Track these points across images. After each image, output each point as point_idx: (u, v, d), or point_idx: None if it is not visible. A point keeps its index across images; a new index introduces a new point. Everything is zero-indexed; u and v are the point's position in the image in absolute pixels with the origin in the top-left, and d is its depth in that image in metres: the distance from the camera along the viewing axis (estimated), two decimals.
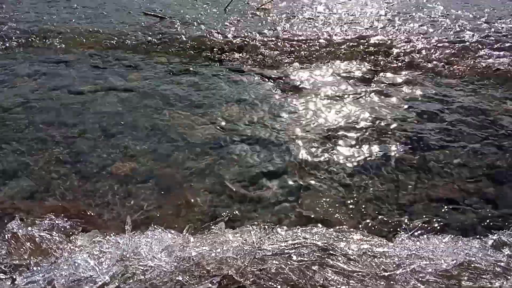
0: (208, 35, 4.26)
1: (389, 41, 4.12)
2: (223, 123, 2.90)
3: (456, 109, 2.98)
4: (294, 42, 4.11)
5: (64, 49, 4.01)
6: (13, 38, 4.26)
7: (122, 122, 2.91)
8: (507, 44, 3.98)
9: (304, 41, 4.11)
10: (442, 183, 2.33)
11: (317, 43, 4.08)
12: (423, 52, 3.91)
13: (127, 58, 3.85)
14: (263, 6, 4.81)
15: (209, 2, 5.10)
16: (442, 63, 3.65)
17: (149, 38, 4.20)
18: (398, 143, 2.65)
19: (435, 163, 2.48)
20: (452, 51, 3.87)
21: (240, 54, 3.84)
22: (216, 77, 3.51)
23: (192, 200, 2.28)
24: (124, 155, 2.60)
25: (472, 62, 3.65)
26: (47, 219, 2.17)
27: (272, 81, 3.43)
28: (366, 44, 4.07)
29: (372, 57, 3.81)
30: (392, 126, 2.82)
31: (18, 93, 3.29)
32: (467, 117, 2.89)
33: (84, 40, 4.17)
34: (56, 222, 2.16)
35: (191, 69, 3.66)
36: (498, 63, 3.60)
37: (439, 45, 4.05)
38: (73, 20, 4.71)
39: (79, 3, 5.34)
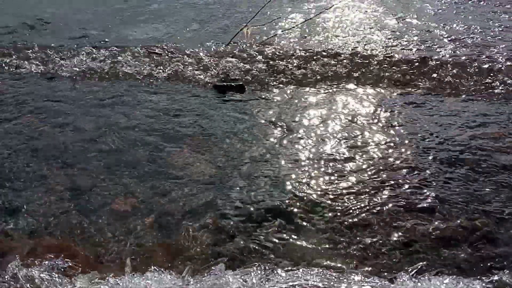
0: (211, 68, 4.30)
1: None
2: (223, 159, 2.92)
3: (452, 144, 3.01)
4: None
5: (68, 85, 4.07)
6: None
7: (123, 159, 2.93)
8: None
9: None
10: (442, 222, 2.33)
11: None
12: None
13: (129, 93, 3.89)
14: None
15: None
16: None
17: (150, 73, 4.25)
18: (397, 179, 2.66)
19: (435, 200, 2.49)
20: None
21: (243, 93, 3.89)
22: (218, 110, 3.53)
23: (192, 239, 2.28)
24: (124, 192, 2.62)
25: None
26: (47, 259, 2.17)
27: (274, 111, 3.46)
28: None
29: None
30: (390, 161, 2.84)
31: (21, 129, 3.33)
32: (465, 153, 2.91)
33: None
34: (56, 262, 2.15)
35: (191, 102, 3.70)
36: None
37: None
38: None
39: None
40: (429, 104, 3.53)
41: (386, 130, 3.19)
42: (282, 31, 5.21)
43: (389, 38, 4.85)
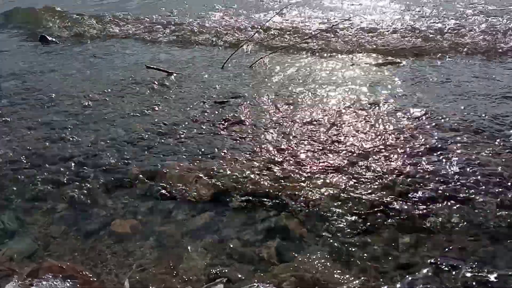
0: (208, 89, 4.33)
1: None
2: (223, 178, 2.92)
3: (455, 161, 3.01)
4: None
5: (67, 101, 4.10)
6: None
7: (123, 178, 2.94)
8: None
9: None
10: (441, 242, 2.33)
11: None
12: None
13: (129, 111, 3.92)
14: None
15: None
16: None
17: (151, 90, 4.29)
18: (397, 197, 2.66)
19: (435, 219, 2.48)
20: None
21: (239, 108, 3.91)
22: (216, 131, 3.55)
23: (191, 259, 2.28)
24: (124, 213, 2.62)
25: None
26: (46, 280, 2.17)
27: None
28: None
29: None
30: (390, 179, 2.84)
31: (21, 146, 3.35)
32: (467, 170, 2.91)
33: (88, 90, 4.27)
34: (55, 283, 2.16)
35: (192, 121, 3.72)
36: None
37: None
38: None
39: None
40: None
41: None
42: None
43: None
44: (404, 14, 6.70)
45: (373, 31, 5.92)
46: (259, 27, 6.10)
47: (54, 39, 6.28)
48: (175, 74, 4.70)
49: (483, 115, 3.53)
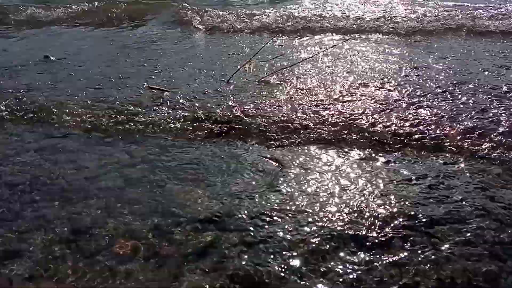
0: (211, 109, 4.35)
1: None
2: (224, 197, 2.92)
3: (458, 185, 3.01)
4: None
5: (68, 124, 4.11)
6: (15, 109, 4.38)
7: (124, 198, 2.94)
8: None
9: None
10: (445, 263, 2.32)
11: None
12: None
13: (130, 133, 3.94)
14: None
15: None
16: None
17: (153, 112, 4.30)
18: (398, 220, 2.66)
19: (438, 240, 2.48)
20: None
21: (242, 127, 3.92)
22: (217, 151, 3.55)
23: (193, 282, 2.26)
24: (125, 232, 2.61)
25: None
26: None
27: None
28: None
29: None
30: (393, 203, 2.84)
31: (22, 167, 3.35)
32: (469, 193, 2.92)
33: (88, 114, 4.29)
34: None
35: (193, 142, 3.73)
36: None
37: None
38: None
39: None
40: None
41: None
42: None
43: None
44: None
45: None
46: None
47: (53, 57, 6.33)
48: (167, 93, 4.74)
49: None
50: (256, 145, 3.60)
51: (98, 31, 7.80)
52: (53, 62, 6.00)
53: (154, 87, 4.86)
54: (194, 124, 3.95)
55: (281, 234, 2.55)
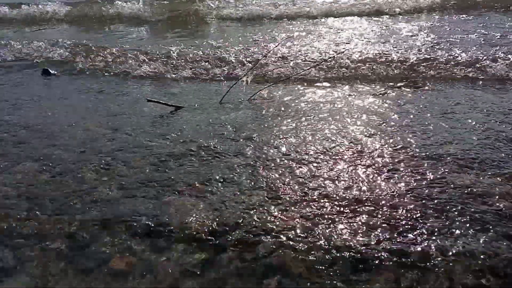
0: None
1: None
2: (224, 209, 2.93)
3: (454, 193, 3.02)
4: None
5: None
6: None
7: (122, 212, 2.95)
8: None
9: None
10: (444, 279, 2.32)
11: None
12: None
13: (129, 144, 3.97)
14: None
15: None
16: None
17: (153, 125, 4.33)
18: (396, 234, 2.66)
19: (436, 253, 2.48)
20: None
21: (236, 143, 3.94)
22: (215, 165, 3.58)
23: None
24: (123, 249, 2.62)
25: None
26: None
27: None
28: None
29: None
30: (388, 215, 2.85)
31: (20, 180, 3.37)
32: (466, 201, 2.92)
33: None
34: None
35: (192, 154, 3.75)
36: None
37: None
38: None
39: None
40: None
41: None
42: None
43: None
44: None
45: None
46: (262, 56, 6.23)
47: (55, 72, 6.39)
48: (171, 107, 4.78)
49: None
50: None
51: None
52: None
53: (154, 100, 4.90)
54: None
55: None
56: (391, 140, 3.77)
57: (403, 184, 3.13)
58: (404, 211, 2.84)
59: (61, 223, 2.85)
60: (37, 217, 2.93)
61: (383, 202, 2.93)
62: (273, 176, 3.31)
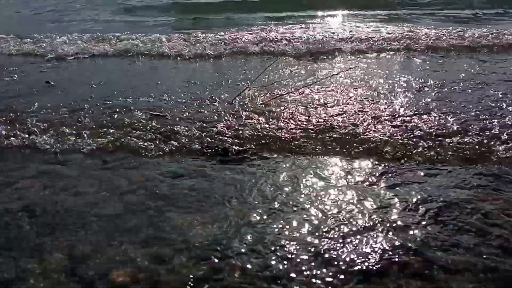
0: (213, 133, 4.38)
1: None
2: (224, 224, 2.91)
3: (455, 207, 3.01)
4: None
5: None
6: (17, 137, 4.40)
7: (123, 224, 2.92)
8: None
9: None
10: None
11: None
12: None
13: (132, 157, 3.96)
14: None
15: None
16: None
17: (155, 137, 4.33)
18: (398, 246, 2.64)
19: (437, 267, 2.46)
20: None
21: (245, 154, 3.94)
22: (219, 177, 3.56)
23: None
24: (124, 261, 2.58)
25: None
26: None
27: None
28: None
29: None
30: (393, 229, 2.83)
31: (21, 195, 3.35)
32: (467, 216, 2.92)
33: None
34: None
35: (194, 167, 3.73)
36: None
37: None
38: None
39: None
40: None
41: None
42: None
43: None
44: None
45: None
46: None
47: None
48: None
49: None
50: None
51: None
52: None
53: (155, 113, 4.92)
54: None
55: None
56: None
57: None
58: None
59: (60, 235, 2.82)
60: (36, 230, 2.91)
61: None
62: None
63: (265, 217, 2.95)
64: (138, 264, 2.55)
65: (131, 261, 2.57)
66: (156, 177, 3.53)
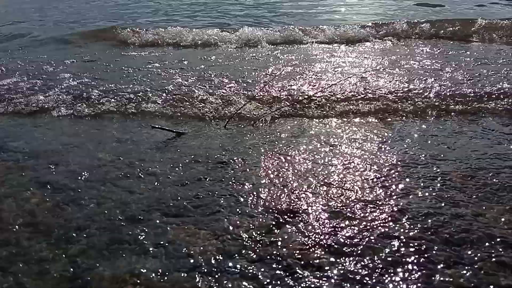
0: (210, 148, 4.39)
1: None
2: (227, 237, 2.88)
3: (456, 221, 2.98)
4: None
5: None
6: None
7: (126, 237, 2.90)
8: None
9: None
10: None
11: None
12: None
13: (134, 167, 3.95)
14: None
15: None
16: None
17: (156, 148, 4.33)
18: (402, 260, 2.61)
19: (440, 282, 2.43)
20: None
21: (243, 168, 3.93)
22: (220, 188, 3.55)
23: None
24: (127, 275, 2.55)
25: None
26: None
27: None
28: None
29: None
30: (400, 248, 2.80)
31: (25, 206, 3.33)
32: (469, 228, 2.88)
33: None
34: None
35: (196, 179, 3.73)
36: None
37: None
38: None
39: None
40: None
41: None
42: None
43: None
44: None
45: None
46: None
47: None
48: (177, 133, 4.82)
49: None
50: None
51: None
52: None
53: (158, 126, 4.93)
54: None
55: None
56: None
57: None
58: None
59: (62, 248, 2.80)
60: (38, 242, 2.88)
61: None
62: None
63: None
64: None
65: None
66: None
